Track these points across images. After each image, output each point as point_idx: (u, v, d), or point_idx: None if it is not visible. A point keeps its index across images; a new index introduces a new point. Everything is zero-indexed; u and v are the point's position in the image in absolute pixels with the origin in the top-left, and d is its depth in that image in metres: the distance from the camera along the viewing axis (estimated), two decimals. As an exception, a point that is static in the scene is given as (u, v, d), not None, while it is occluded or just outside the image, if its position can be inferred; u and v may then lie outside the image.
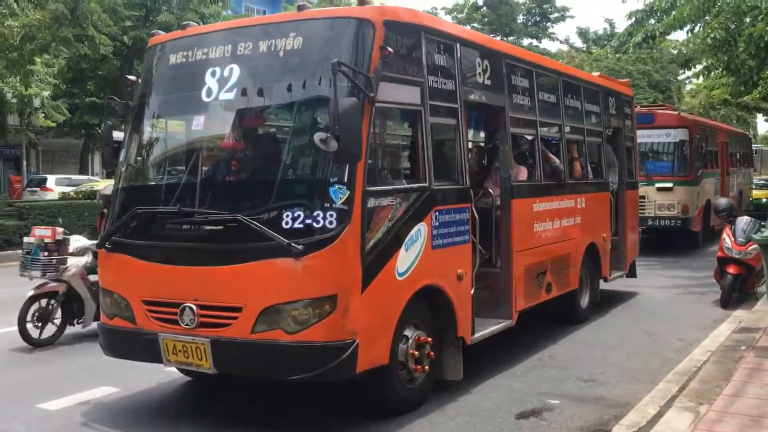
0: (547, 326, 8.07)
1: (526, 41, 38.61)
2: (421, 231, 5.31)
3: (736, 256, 9.39)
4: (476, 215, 6.10)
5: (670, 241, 15.71)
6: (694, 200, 14.83)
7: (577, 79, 8.91)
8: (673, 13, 13.79)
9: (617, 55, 32.56)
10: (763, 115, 31.10)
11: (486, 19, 37.11)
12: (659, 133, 14.91)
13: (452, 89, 5.91)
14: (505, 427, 5.15)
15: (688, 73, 26.98)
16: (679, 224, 14.53)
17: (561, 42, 48.09)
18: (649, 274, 12.01)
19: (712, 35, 13.19)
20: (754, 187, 24.44)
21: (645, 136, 14.32)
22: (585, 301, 8.64)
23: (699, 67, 16.96)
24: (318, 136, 4.60)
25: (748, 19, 12.81)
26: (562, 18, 38.02)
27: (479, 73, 6.44)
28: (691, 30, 14.36)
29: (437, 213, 5.50)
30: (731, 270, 9.43)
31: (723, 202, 10.69)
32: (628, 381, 6.24)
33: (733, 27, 12.62)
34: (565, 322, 8.23)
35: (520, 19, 38.21)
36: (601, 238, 8.90)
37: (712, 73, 18.77)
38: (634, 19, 15.56)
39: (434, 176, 5.46)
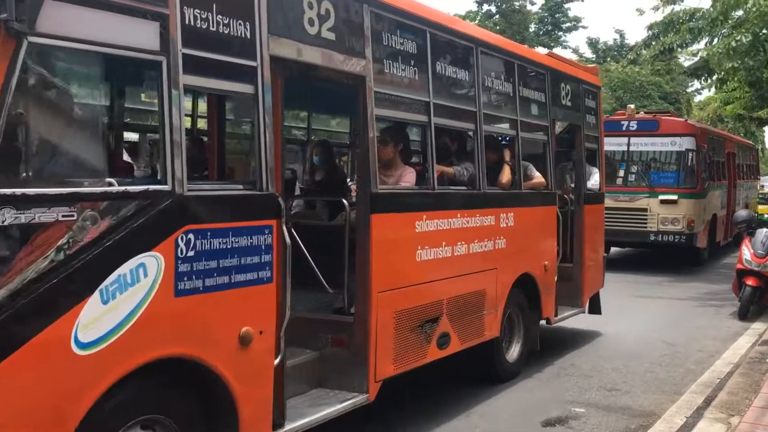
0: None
1: (538, 49, 38.68)
2: (146, 268, 3.06)
3: (755, 269, 9.33)
4: (294, 237, 4.06)
5: (670, 258, 14.62)
6: (701, 214, 13.76)
7: (507, 53, 6.42)
8: (690, 23, 13.77)
9: (630, 67, 32.63)
10: (774, 129, 31.00)
11: (498, 27, 37.13)
12: (664, 141, 13.88)
13: (242, 33, 3.54)
14: (531, 435, 5.10)
15: (697, 86, 27.02)
16: (683, 240, 13.37)
17: (572, 51, 48.11)
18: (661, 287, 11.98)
19: (737, 38, 12.98)
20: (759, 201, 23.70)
21: (649, 144, 13.87)
22: (514, 352, 6.48)
23: (713, 78, 16.83)
24: None
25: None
26: (575, 27, 38.06)
27: (312, 19, 4.03)
28: (710, 41, 14.31)
29: (191, 235, 3.27)
30: (750, 282, 9.38)
31: (743, 213, 10.71)
32: (653, 391, 6.18)
33: (759, 32, 12.42)
34: (483, 381, 6.14)
35: (532, 27, 38.22)
36: (540, 267, 6.66)
37: (725, 86, 18.68)
38: (652, 32, 15.56)
39: (186, 173, 3.26)
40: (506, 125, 6.50)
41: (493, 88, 6.08)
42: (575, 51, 44.36)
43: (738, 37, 12.47)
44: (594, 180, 8.10)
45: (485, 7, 37.67)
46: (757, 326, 8.68)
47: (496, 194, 6.07)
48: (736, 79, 15.22)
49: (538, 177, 6.72)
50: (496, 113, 6.29)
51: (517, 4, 37.29)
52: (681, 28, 13.93)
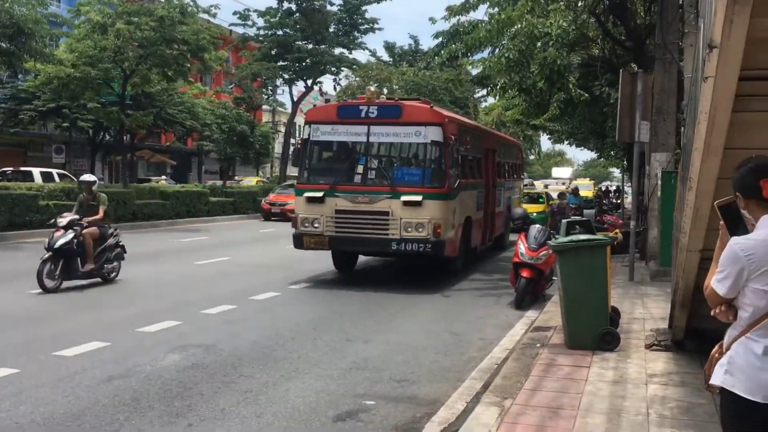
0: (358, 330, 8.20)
1: (338, 50, 39.23)
2: None
3: (529, 261, 10.19)
4: None
5: (423, 267, 13.30)
6: (450, 218, 11.69)
7: None
8: (472, 34, 14.82)
9: (423, 72, 34.42)
10: (548, 135, 34.21)
11: (298, 26, 37.20)
12: (407, 130, 11.74)
13: None
14: (323, 431, 5.14)
15: (483, 92, 29.18)
16: (429, 249, 11.19)
17: (371, 53, 49.61)
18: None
19: (507, 55, 14.27)
20: (524, 200, 23.51)
21: (391, 135, 11.88)
22: None
23: (497, 87, 18.22)
24: None
25: (539, 44, 14.02)
26: (372, 29, 39.15)
27: None
28: (492, 51, 15.49)
29: None
30: (525, 274, 10.22)
31: (519, 211, 11.82)
32: (438, 380, 6.50)
33: (525, 49, 13.73)
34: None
35: (332, 28, 38.74)
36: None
37: (506, 94, 20.33)
38: (440, 39, 16.52)
39: None
40: None
41: None
42: (373, 54, 45.83)
43: (506, 53, 13.73)
44: None
45: (285, 4, 37.53)
46: (531, 314, 9.46)
47: None
48: (514, 88, 16.56)
49: None
50: None
51: (317, 3, 37.58)
52: (464, 38, 14.92)
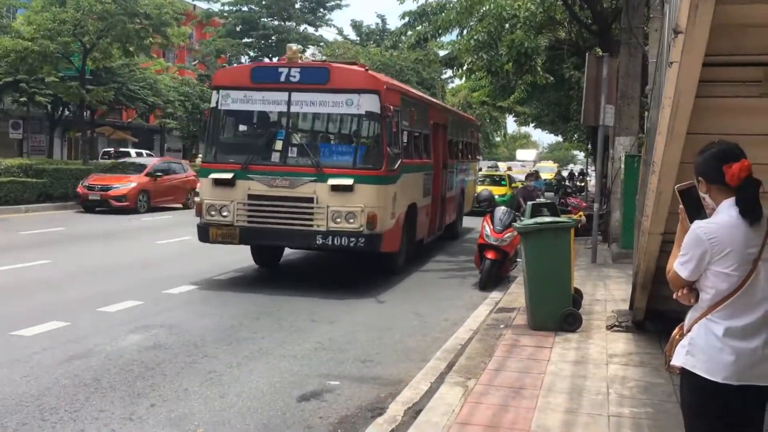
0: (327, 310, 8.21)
1: (303, 27, 38.87)
2: None
3: (494, 243, 10.26)
4: None
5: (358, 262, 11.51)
6: (388, 206, 9.66)
7: None
8: (442, 15, 14.81)
9: (390, 51, 34.33)
10: (514, 117, 34.43)
11: (264, 2, 36.71)
12: (337, 98, 9.58)
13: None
14: (287, 411, 5.13)
15: (450, 73, 29.29)
16: (362, 243, 9.26)
17: (337, 32, 49.22)
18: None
19: (475, 37, 14.30)
20: (481, 182, 22.35)
21: (317, 103, 9.70)
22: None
23: (464, 69, 18.27)
24: None
25: (507, 26, 14.07)
26: (338, 6, 38.86)
27: None
28: (460, 33, 15.50)
29: None
30: (489, 255, 10.29)
31: (485, 193, 11.84)
32: (402, 360, 6.54)
33: (493, 31, 13.77)
34: None
35: (298, 5, 38.35)
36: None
37: (473, 75, 20.42)
38: (407, 19, 16.48)
39: None
40: None
41: None
42: (340, 32, 45.47)
43: (475, 36, 13.77)
44: None
45: (251, -20, 37.04)
46: (495, 295, 9.56)
47: None
48: (481, 69, 16.59)
49: None
50: None
51: (283, -21, 37.21)
52: (433, 19, 14.89)
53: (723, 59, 4.02)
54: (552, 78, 17.01)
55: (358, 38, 47.93)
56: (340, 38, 43.12)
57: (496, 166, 40.10)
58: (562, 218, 7.89)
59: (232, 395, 5.38)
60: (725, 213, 2.80)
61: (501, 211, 10.68)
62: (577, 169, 52.61)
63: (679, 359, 2.91)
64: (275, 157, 9.79)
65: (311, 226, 9.36)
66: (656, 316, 6.83)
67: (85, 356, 6.23)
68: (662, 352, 3.14)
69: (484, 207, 11.26)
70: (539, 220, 7.51)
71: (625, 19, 12.97)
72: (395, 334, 7.48)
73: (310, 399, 5.38)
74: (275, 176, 9.49)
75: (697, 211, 2.91)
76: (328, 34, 74.66)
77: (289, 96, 9.70)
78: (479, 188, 17.28)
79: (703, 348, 2.83)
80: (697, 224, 2.83)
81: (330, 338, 7.19)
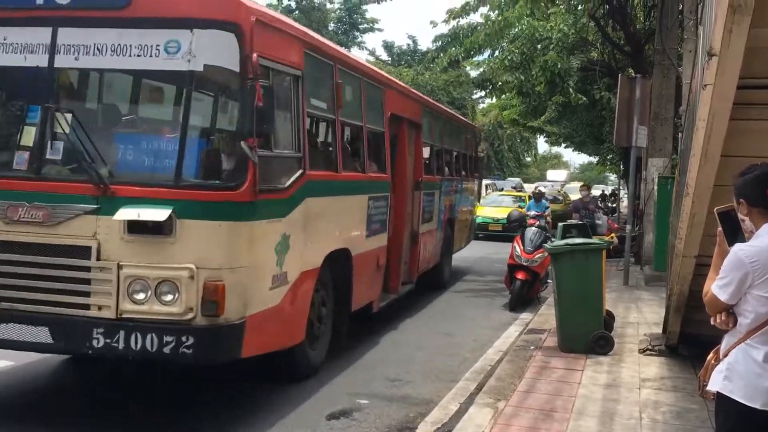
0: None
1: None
2: None
3: (524, 264, 10.21)
4: None
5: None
6: (263, 263, 5.06)
7: None
8: (471, 38, 14.94)
9: (423, 73, 34.64)
10: (545, 137, 34.27)
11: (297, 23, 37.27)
12: (146, 39, 4.77)
13: None
14: (316, 428, 5.15)
15: (481, 93, 29.31)
16: (190, 347, 4.52)
17: (369, 52, 49.63)
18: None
19: (509, 57, 14.35)
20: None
21: (107, 51, 4.83)
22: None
23: (496, 87, 18.33)
24: None
25: (539, 47, 14.11)
26: (371, 29, 39.19)
27: None
28: (492, 54, 15.63)
29: None
30: (520, 276, 10.24)
31: (515, 213, 11.79)
32: (431, 380, 6.52)
33: (526, 51, 13.84)
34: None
35: (331, 26, 38.77)
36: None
37: (503, 96, 20.52)
38: (440, 43, 16.70)
39: None
40: None
41: None
42: (372, 53, 45.84)
43: (509, 56, 13.87)
44: None
45: (285, 1, 37.57)
46: (525, 316, 9.50)
47: None
48: (512, 90, 16.67)
49: None
50: None
51: (316, 1, 37.64)
52: (464, 41, 15.02)
53: (757, 81, 4.00)
54: (584, 98, 16.95)
55: (390, 59, 48.26)
56: (372, 59, 43.48)
57: (521, 186, 34.94)
58: (594, 240, 7.84)
59: (265, 414, 5.41)
60: (767, 236, 2.77)
61: (531, 231, 10.62)
62: (608, 189, 51.99)
63: (715, 384, 2.87)
64: (20, 160, 4.93)
65: (86, 308, 4.70)
66: (690, 341, 6.72)
67: None
68: (696, 376, 3.09)
69: (515, 228, 11.20)
70: (570, 241, 7.46)
71: (658, 41, 12.90)
72: (424, 354, 7.47)
73: (339, 417, 5.40)
74: (18, 201, 4.77)
75: (733, 234, 2.88)
76: (361, 55, 75.31)
77: (54, 35, 4.90)
78: (505, 209, 16.51)
79: (741, 373, 2.78)
80: (739, 247, 2.80)
81: (358, 356, 7.20)
